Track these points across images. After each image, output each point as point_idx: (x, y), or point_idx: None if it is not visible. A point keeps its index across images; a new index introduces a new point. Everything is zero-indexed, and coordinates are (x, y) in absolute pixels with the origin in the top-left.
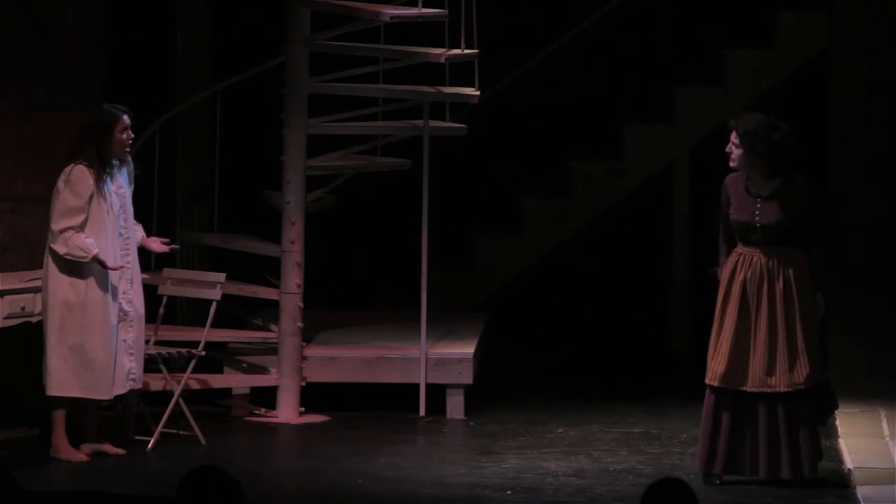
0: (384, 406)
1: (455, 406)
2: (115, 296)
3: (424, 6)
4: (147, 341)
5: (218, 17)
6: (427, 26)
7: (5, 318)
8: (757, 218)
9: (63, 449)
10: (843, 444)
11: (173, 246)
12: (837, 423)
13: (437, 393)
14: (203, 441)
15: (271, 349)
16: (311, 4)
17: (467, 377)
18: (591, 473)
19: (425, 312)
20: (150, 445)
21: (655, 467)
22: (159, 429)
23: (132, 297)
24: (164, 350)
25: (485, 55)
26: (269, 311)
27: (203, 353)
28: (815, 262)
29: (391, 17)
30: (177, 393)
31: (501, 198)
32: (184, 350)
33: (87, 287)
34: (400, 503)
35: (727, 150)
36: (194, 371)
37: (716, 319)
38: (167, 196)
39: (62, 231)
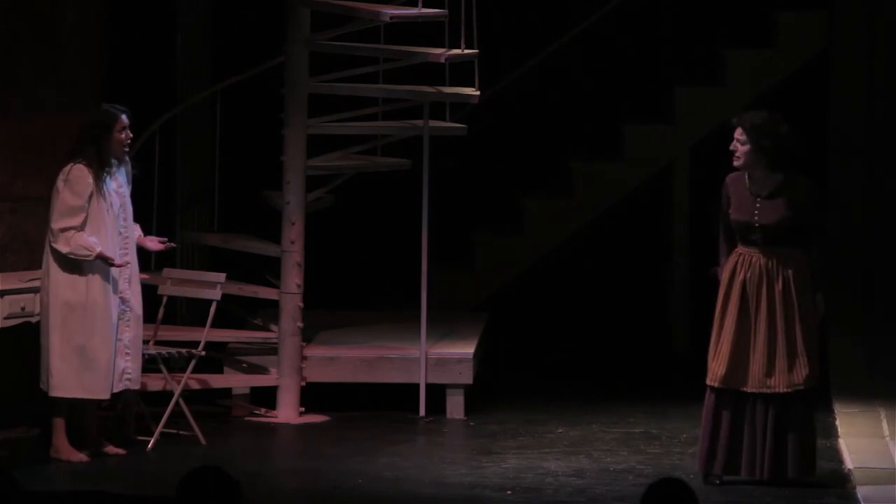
0: (384, 406)
1: (455, 406)
2: (115, 293)
3: (424, 6)
4: (147, 341)
5: (218, 17)
6: (427, 26)
7: (5, 318)
8: (756, 218)
9: (63, 449)
10: (843, 444)
11: (170, 244)
12: (837, 423)
13: (437, 393)
14: (203, 441)
15: (271, 349)
16: (311, 4)
17: (467, 377)
18: (591, 473)
19: (425, 312)
20: (150, 445)
21: (655, 467)
22: (159, 429)
23: (129, 296)
24: (164, 350)
25: (485, 55)
26: (269, 311)
27: (203, 353)
28: (814, 263)
29: (391, 17)
30: (177, 393)
31: (501, 198)
32: (184, 350)
33: (88, 287)
34: (400, 503)
35: (731, 147)
36: (194, 371)
37: (716, 320)
38: (167, 196)
39: (63, 230)
